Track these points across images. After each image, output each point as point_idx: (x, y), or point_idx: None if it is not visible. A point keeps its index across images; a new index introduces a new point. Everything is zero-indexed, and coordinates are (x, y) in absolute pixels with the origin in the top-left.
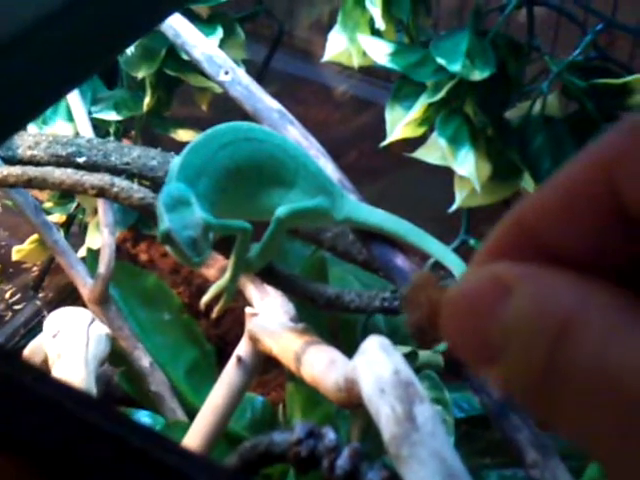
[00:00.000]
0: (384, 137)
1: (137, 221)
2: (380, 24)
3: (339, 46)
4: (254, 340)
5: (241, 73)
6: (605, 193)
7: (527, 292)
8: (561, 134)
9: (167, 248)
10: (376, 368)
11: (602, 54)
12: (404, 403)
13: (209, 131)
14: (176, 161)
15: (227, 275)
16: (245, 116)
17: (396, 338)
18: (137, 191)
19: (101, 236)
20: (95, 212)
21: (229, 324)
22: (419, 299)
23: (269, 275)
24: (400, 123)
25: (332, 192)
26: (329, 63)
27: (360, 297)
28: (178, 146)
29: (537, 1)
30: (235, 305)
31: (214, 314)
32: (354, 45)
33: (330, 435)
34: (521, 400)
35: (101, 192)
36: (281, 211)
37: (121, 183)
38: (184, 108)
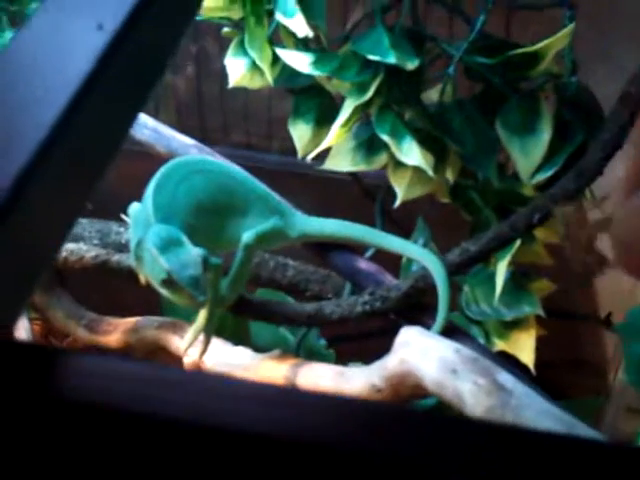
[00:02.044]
0: None
1: None
2: (306, 31)
3: (240, 70)
4: None
5: (143, 116)
6: None
7: None
8: (473, 114)
9: (163, 293)
10: (435, 353)
11: (482, 33)
12: (485, 375)
13: (163, 169)
14: (134, 207)
15: (202, 317)
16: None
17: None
18: (88, 250)
19: None
20: None
21: None
22: (576, 235)
23: (240, 306)
24: (331, 132)
25: (283, 211)
26: None
27: (339, 306)
28: None
29: None
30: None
31: (197, 358)
32: (264, 62)
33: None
34: None
35: None
36: (247, 237)
37: (67, 246)
38: None
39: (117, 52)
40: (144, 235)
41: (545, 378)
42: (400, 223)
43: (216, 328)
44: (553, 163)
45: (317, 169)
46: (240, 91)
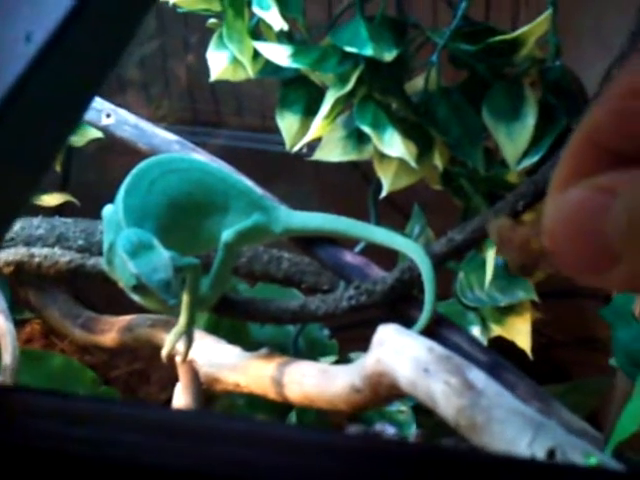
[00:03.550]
0: None
1: None
2: (281, 24)
3: (222, 63)
4: (211, 381)
5: (124, 113)
6: None
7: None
8: (458, 102)
9: (135, 298)
10: (408, 352)
11: (467, 19)
12: (456, 375)
13: (135, 170)
14: (108, 210)
15: (182, 319)
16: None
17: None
18: (62, 255)
19: None
20: None
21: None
22: (509, 240)
23: (223, 306)
24: (314, 123)
25: (265, 206)
26: None
27: (325, 302)
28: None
29: None
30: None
31: (180, 361)
32: (244, 55)
33: (388, 430)
34: None
35: (19, 266)
36: (227, 235)
37: (41, 251)
38: None
39: (45, 64)
40: (115, 239)
41: (553, 358)
42: (401, 208)
43: (212, 326)
44: (539, 148)
45: None
46: None
